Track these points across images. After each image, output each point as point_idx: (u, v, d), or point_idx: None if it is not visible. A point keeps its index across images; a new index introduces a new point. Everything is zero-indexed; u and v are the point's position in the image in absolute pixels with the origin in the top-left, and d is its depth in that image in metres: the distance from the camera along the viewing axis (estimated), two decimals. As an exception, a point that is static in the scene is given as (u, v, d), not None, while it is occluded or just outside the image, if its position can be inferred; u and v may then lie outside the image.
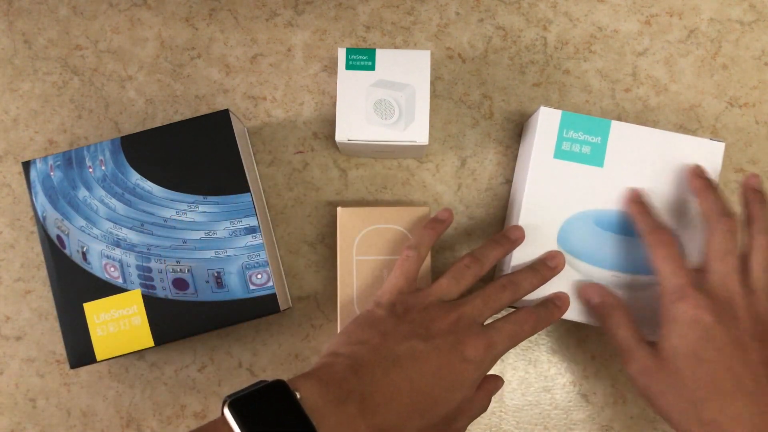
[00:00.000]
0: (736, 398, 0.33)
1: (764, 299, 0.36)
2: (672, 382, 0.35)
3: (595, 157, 0.41)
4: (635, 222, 0.40)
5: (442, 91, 0.48)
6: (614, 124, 0.41)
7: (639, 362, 0.37)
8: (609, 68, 0.48)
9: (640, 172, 0.41)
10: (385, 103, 0.41)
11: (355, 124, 0.41)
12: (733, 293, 0.35)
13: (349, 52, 0.42)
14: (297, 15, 0.48)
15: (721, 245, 0.36)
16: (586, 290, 0.40)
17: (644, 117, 0.48)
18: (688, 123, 0.48)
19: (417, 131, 0.41)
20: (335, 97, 0.47)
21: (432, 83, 0.48)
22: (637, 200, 0.40)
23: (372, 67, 0.42)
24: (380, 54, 0.42)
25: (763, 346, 0.34)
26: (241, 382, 0.47)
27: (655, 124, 0.48)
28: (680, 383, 0.35)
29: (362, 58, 0.42)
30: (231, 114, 0.43)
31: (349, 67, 0.42)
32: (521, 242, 0.41)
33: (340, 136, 0.41)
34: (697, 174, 0.40)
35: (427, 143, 0.41)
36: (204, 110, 0.48)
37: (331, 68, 0.48)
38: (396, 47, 0.48)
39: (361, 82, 0.41)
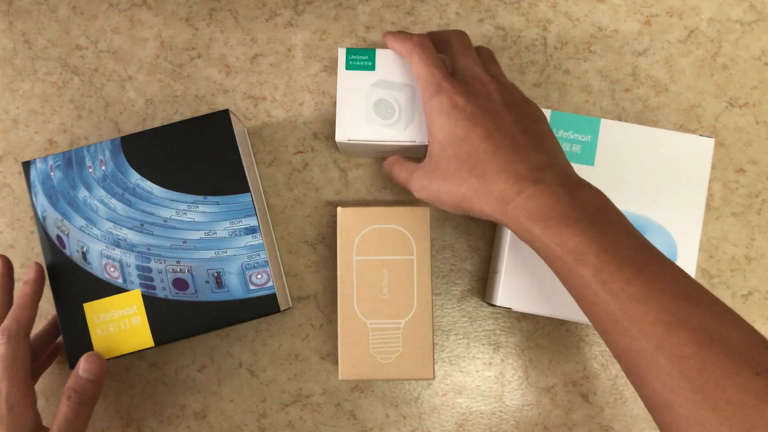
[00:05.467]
0: (497, 156, 0.34)
1: (506, 80, 0.39)
2: (444, 173, 0.36)
3: (586, 156, 0.41)
4: (393, 47, 0.41)
5: (442, 91, 0.48)
6: (603, 122, 0.41)
7: (418, 178, 0.38)
8: (609, 68, 0.48)
9: (631, 170, 0.41)
10: (385, 103, 0.41)
11: (354, 124, 0.41)
12: (481, 77, 0.37)
13: (349, 52, 0.41)
14: (297, 15, 0.48)
15: (460, 43, 0.39)
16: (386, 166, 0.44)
17: (644, 117, 0.48)
18: (688, 123, 0.48)
19: (417, 131, 0.41)
20: (335, 97, 0.47)
21: (432, 83, 0.48)
22: (388, 33, 0.41)
23: (372, 67, 0.41)
24: (380, 54, 0.41)
25: (514, 111, 0.36)
26: (241, 382, 0.47)
27: (655, 124, 0.48)
28: (451, 170, 0.36)
29: (362, 58, 0.41)
30: (231, 114, 0.43)
31: (349, 67, 0.41)
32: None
33: (340, 135, 0.41)
34: (394, 37, 0.41)
35: (427, 143, 0.41)
36: (204, 110, 0.48)
37: (331, 68, 0.48)
38: (396, 47, 0.48)
39: (361, 82, 0.41)
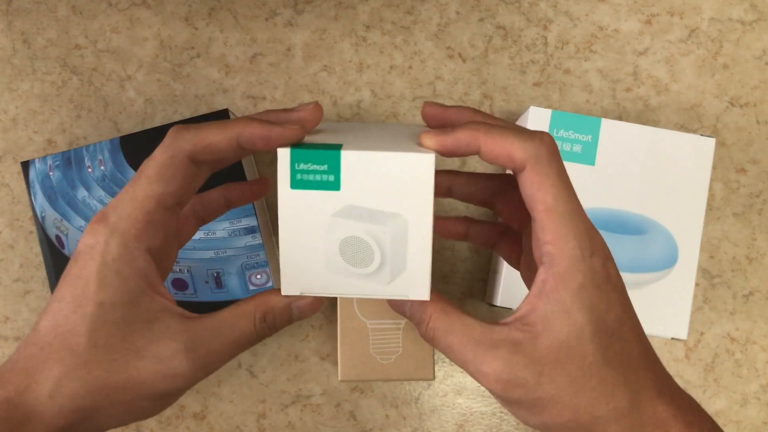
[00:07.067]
0: (649, 362, 0.25)
1: None
2: (573, 374, 0.24)
3: (587, 156, 0.41)
4: (491, 152, 0.24)
5: (443, 91, 0.48)
6: (604, 122, 0.41)
7: (507, 366, 0.24)
8: (610, 68, 0.48)
9: (632, 170, 0.41)
10: (357, 244, 0.26)
11: (311, 273, 0.26)
12: (591, 225, 0.26)
13: (297, 157, 0.25)
14: (297, 14, 0.48)
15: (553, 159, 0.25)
16: (396, 307, 0.28)
17: (645, 117, 0.48)
18: (689, 123, 0.48)
19: (411, 283, 0.26)
20: (335, 96, 0.47)
21: (432, 83, 0.48)
22: (475, 127, 0.25)
23: (335, 185, 0.25)
24: (348, 159, 0.25)
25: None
26: (241, 382, 0.47)
27: (656, 124, 0.48)
28: (585, 373, 0.24)
29: (318, 170, 0.25)
30: (230, 114, 0.42)
31: (296, 185, 0.25)
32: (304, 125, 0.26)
33: (290, 287, 0.27)
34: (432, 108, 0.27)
35: (426, 298, 0.26)
36: (203, 110, 0.48)
37: (330, 68, 0.48)
38: (396, 47, 0.48)
39: (317, 209, 0.25)
